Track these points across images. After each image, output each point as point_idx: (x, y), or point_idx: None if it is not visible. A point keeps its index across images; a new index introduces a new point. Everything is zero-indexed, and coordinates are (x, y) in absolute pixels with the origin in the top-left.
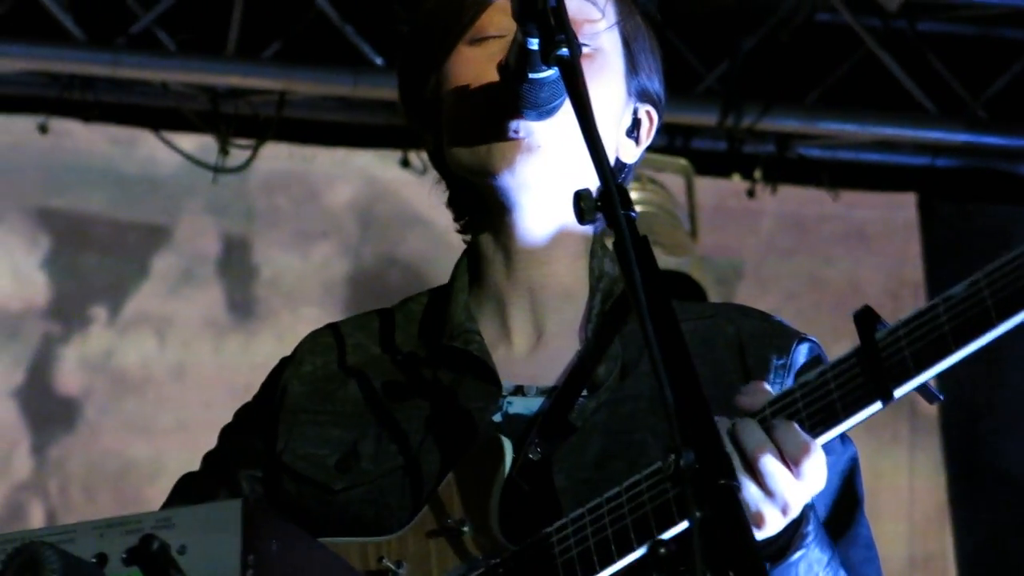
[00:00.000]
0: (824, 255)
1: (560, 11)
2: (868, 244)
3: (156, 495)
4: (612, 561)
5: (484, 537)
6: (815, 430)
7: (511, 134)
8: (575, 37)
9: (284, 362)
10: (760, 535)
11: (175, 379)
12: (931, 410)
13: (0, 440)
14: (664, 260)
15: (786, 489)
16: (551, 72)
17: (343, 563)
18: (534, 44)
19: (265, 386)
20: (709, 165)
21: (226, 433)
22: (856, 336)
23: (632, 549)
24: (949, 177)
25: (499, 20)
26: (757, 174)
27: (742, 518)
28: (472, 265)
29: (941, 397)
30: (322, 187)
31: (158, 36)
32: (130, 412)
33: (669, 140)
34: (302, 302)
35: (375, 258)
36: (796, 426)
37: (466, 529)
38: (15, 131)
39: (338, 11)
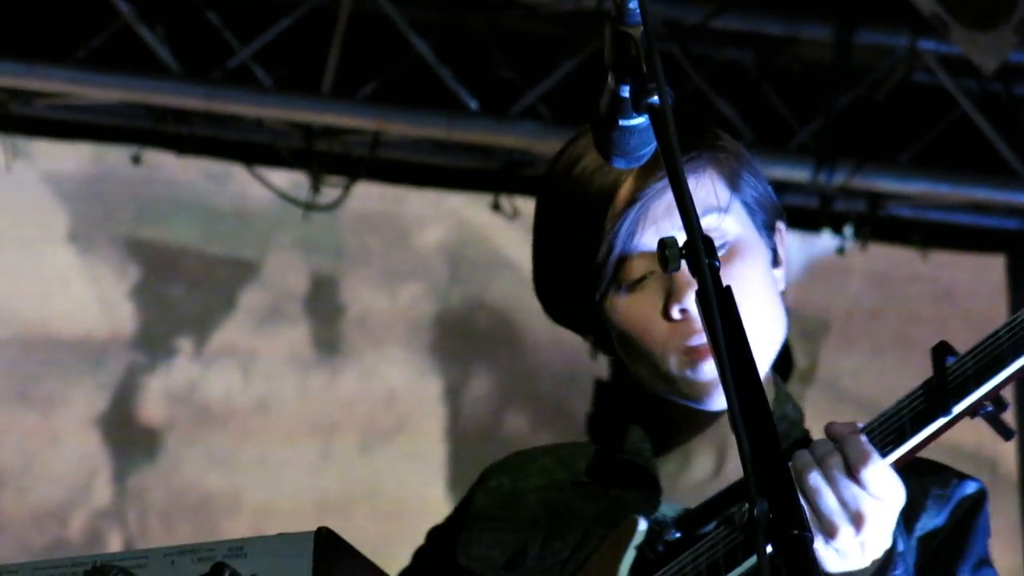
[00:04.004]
0: (911, 314)
1: (651, 58)
2: (956, 304)
3: (234, 528)
4: None
5: None
6: (885, 448)
7: (702, 375)
8: (664, 84)
9: (473, 485)
10: (839, 559)
11: (258, 414)
12: (1012, 471)
13: (81, 467)
14: None
15: (854, 499)
16: (641, 120)
17: None
18: (625, 92)
19: (456, 508)
20: (800, 221)
21: (419, 554)
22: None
23: None
24: None
25: (643, 263)
26: (847, 232)
27: (814, 569)
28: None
29: (1015, 432)
30: (412, 228)
31: (254, 72)
32: (212, 445)
33: None
34: (388, 342)
35: (463, 301)
36: (861, 436)
37: None
38: (108, 161)
39: (436, 54)
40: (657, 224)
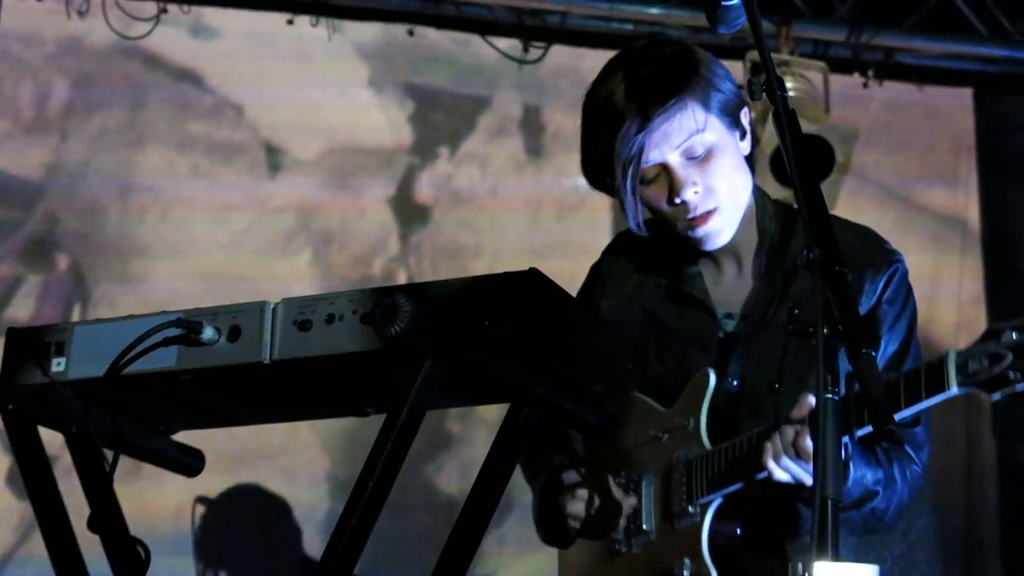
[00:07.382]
0: (912, 127)
1: None
2: (942, 121)
3: (478, 267)
4: None
5: (698, 436)
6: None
7: (699, 232)
8: None
9: (594, 275)
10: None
11: (490, 196)
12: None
13: (380, 230)
14: (806, 126)
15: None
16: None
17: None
18: None
19: (588, 287)
20: (839, 66)
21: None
22: None
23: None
24: (996, 78)
25: (653, 169)
26: (870, 73)
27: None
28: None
29: None
30: (590, 75)
31: None
32: (461, 216)
33: (813, 49)
34: (574, 149)
35: None
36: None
37: (690, 425)
38: (393, 34)
39: None
40: (659, 146)
